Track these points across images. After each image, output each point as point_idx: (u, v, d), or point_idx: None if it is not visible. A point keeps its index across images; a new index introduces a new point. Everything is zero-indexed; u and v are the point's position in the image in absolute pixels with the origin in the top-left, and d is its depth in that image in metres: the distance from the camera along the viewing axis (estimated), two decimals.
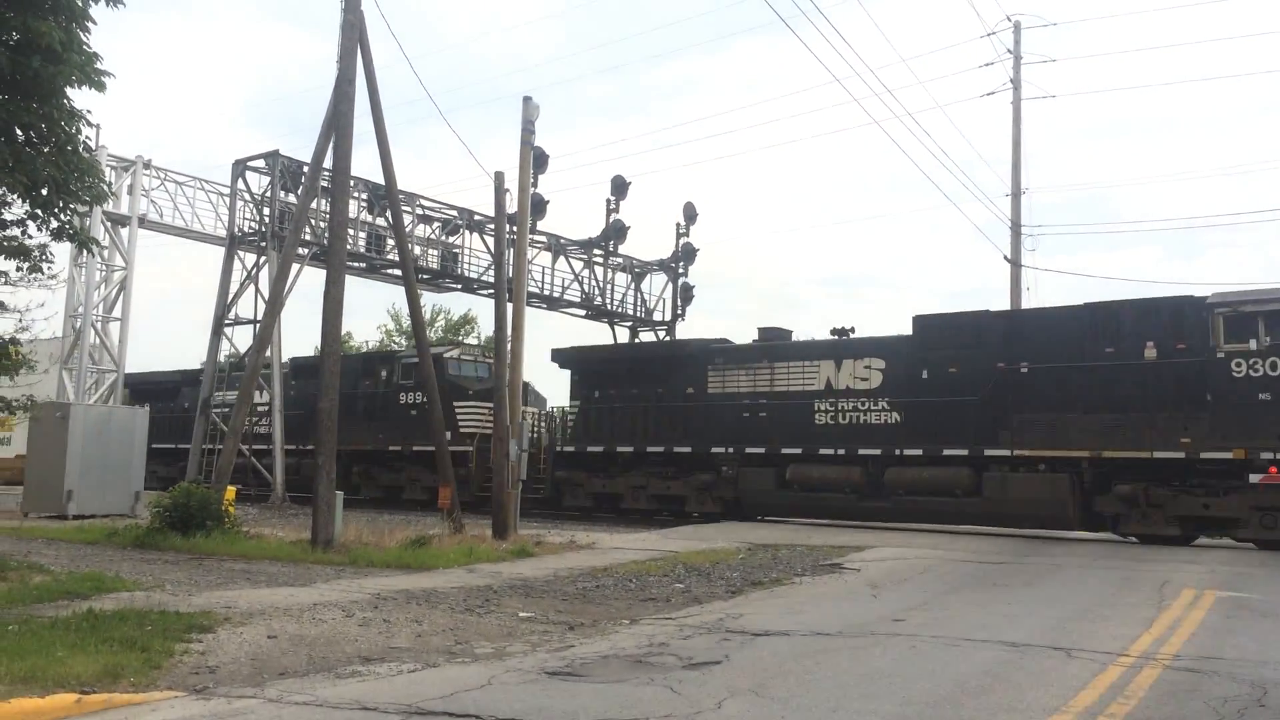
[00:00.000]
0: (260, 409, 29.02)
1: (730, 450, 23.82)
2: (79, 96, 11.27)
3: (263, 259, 29.07)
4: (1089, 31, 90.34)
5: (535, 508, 26.68)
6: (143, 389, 36.78)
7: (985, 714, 6.51)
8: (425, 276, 32.65)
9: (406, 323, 45.12)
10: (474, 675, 7.57)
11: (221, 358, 30.31)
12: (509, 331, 19.78)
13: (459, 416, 28.29)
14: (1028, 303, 30.84)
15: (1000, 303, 32.13)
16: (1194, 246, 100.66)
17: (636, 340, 37.65)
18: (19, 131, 10.87)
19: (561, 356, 28.04)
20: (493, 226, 27.85)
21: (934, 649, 8.66)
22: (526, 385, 31.20)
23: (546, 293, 35.31)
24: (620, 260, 37.68)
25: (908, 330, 22.31)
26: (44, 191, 11.08)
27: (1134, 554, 17.27)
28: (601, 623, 10.18)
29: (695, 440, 24.42)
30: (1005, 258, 31.59)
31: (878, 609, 11.08)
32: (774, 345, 24.67)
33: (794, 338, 25.26)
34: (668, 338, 37.51)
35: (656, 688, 7.17)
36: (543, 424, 29.31)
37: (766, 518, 24.25)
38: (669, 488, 25.03)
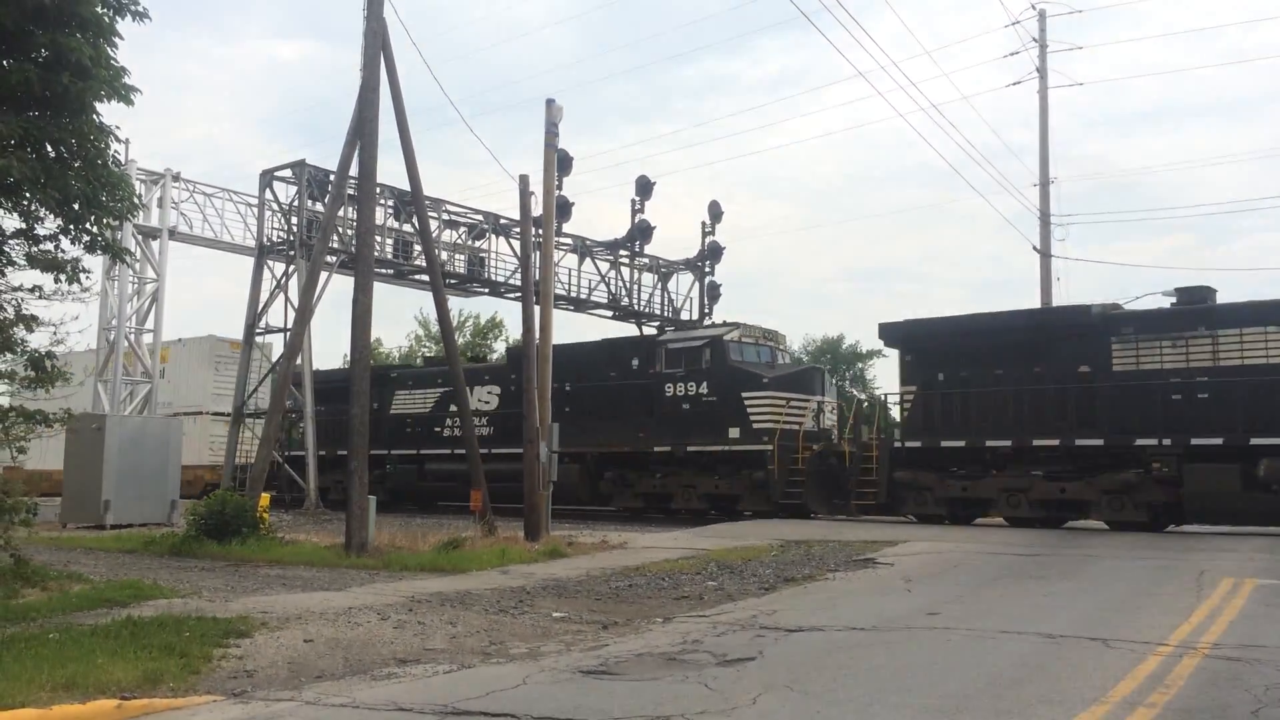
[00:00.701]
0: (291, 415, 29.21)
1: (1166, 442, 19.18)
2: (107, 111, 11.42)
3: (291, 268, 29.29)
4: (1115, 17, 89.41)
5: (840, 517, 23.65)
6: (323, 389, 32.21)
7: (1023, 705, 6.46)
8: (453, 281, 32.76)
9: (435, 328, 45.32)
10: (509, 675, 7.60)
11: (254, 369, 30.56)
12: (536, 334, 19.83)
13: (750, 409, 24.16)
14: (1058, 295, 30.49)
15: (1031, 294, 31.70)
16: (1228, 233, 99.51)
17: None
18: (50, 147, 11.02)
19: (891, 332, 23.56)
20: (518, 230, 27.90)
21: (969, 642, 8.62)
22: (821, 373, 27.49)
23: (573, 294, 35.37)
24: (646, 260, 37.67)
25: None
26: (75, 206, 11.23)
27: (1170, 544, 17.09)
28: (635, 621, 10.19)
29: (1106, 430, 19.90)
30: (1034, 248, 31.35)
31: (912, 603, 11.02)
32: (1214, 309, 19.99)
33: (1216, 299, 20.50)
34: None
35: (691, 685, 7.17)
36: (837, 415, 26.02)
37: (1228, 529, 19.84)
38: (1064, 491, 20.37)
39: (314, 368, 30.34)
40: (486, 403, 29.44)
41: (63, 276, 11.73)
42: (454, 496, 28.01)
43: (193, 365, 37.73)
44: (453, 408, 29.24)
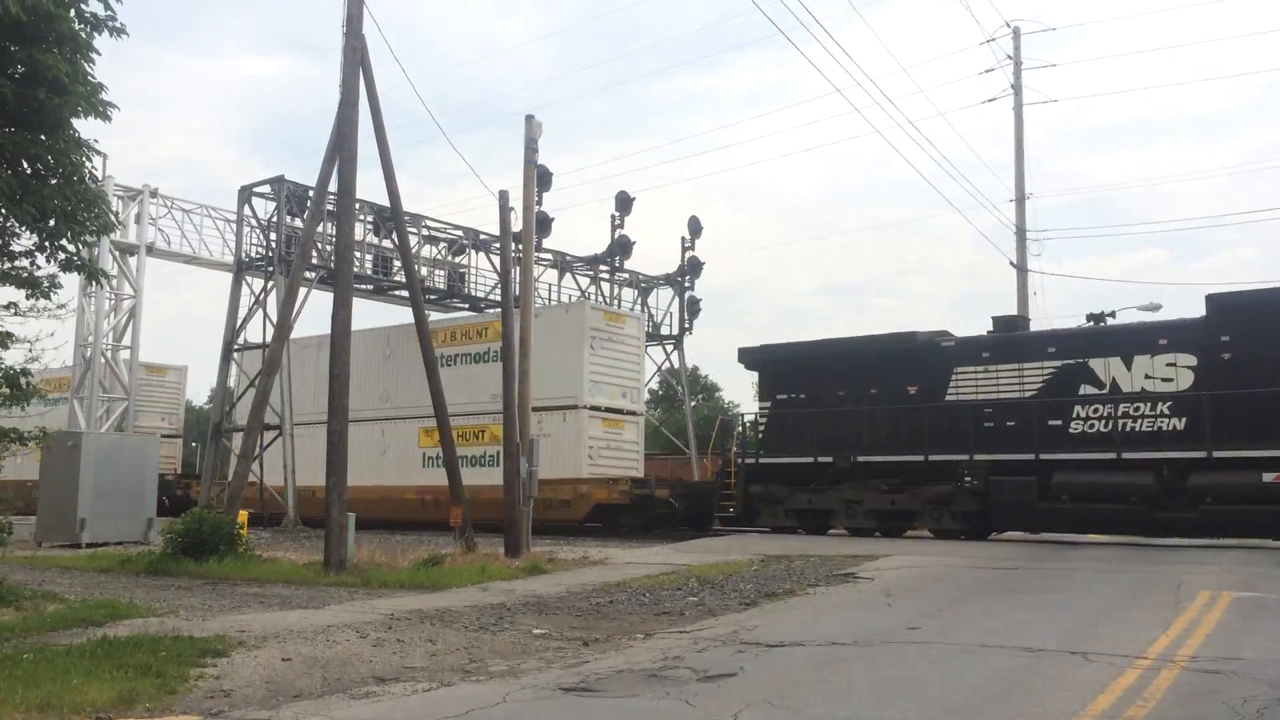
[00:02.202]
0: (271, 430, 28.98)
1: None
2: (84, 127, 11.38)
3: (270, 284, 29.21)
4: (1089, 35, 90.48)
5: None
6: (783, 369, 24.50)
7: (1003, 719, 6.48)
8: (433, 297, 32.73)
9: None
10: (489, 693, 7.56)
11: (231, 382, 30.37)
12: (516, 349, 19.80)
13: None
14: (1034, 309, 30.70)
15: (1007, 309, 31.93)
16: (1201, 247, 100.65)
17: None
18: (25, 163, 10.94)
19: None
20: (498, 245, 27.87)
21: (950, 656, 8.63)
22: None
23: None
24: (626, 275, 37.77)
25: None
26: (51, 223, 11.15)
27: (1149, 556, 17.17)
28: (616, 638, 10.16)
29: None
30: (1011, 263, 31.55)
31: (893, 617, 11.04)
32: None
33: None
34: (674, 352, 37.62)
35: (672, 701, 7.15)
36: None
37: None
38: None
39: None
40: (1165, 379, 19.69)
41: (35, 293, 11.63)
42: (1122, 524, 19.75)
43: (559, 341, 27.11)
44: (1084, 389, 20.38)
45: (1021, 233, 31.47)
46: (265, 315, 29.27)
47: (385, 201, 21.99)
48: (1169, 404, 19.44)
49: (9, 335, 11.95)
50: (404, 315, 33.39)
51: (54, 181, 11.13)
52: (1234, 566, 15.29)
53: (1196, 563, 15.82)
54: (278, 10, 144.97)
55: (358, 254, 28.54)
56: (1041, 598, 12.49)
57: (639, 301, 38.26)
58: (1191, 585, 13.02)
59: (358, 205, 23.82)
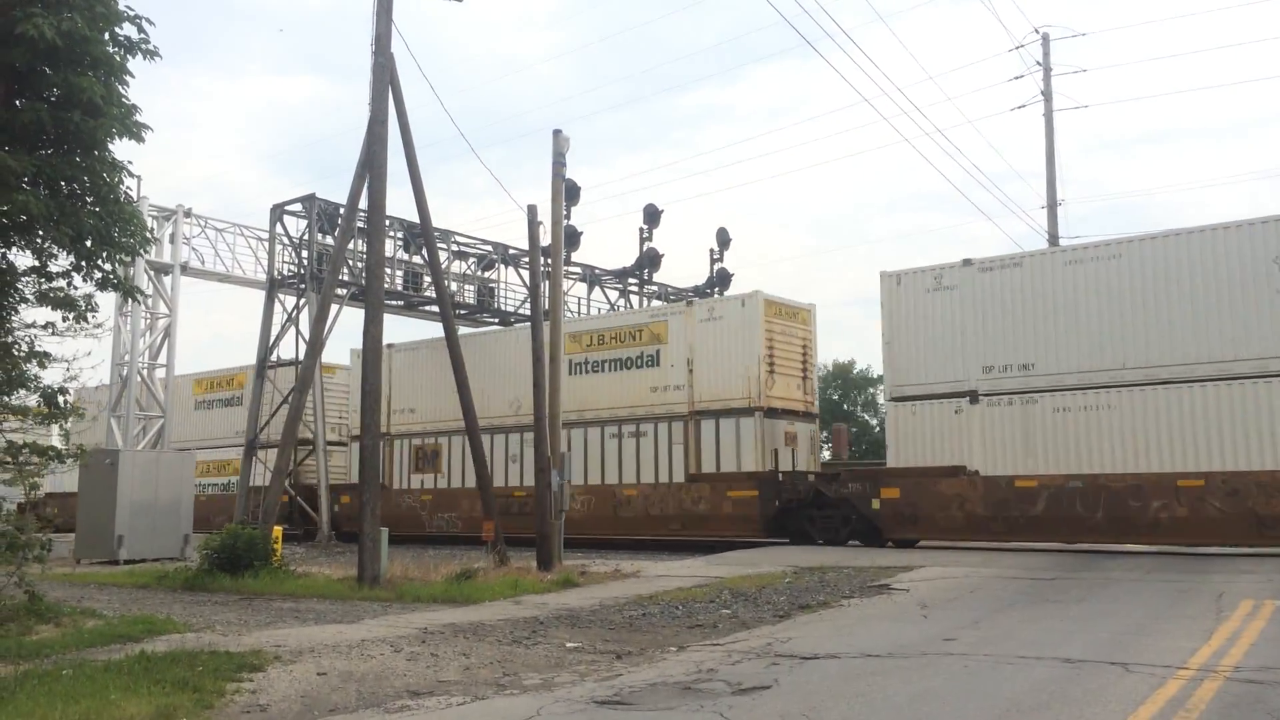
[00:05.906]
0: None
1: None
2: (119, 148, 11.52)
3: (302, 301, 29.44)
4: (1119, 40, 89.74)
5: None
6: None
7: None
8: (462, 312, 32.85)
9: None
10: (523, 706, 7.56)
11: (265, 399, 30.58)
12: (546, 363, 19.84)
13: None
14: None
15: None
16: None
17: None
18: (63, 185, 11.11)
19: None
20: (527, 260, 28.00)
21: (987, 668, 8.53)
22: None
23: None
24: (655, 288, 37.77)
25: None
26: (88, 243, 11.31)
27: (1188, 565, 16.93)
28: (649, 651, 10.13)
29: None
30: None
31: (928, 629, 10.93)
32: None
33: None
34: None
35: (706, 714, 7.11)
36: None
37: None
38: None
39: None
40: None
41: (70, 315, 11.79)
42: None
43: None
44: None
45: (1054, 239, 31.19)
46: (298, 332, 29.53)
47: (415, 217, 22.14)
48: None
49: (47, 355, 12.12)
50: (430, 330, 33.50)
51: (90, 201, 11.30)
52: (1276, 574, 15.03)
53: (1238, 571, 15.57)
54: (300, 31, 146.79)
55: (388, 270, 28.72)
56: (1079, 608, 12.33)
57: None
58: (1233, 594, 12.82)
59: (388, 222, 23.99)
